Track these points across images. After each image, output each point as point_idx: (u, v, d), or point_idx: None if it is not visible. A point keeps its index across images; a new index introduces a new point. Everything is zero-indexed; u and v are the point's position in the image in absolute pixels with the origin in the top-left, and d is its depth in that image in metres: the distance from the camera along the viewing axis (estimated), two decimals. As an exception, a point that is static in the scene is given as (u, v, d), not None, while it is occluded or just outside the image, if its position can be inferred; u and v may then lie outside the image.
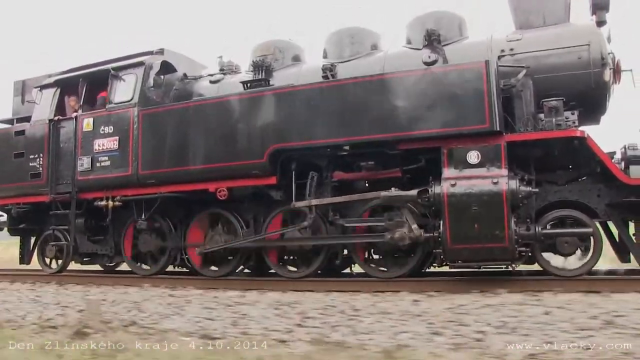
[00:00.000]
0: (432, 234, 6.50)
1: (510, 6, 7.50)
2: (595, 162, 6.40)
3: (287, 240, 7.45)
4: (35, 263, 9.63)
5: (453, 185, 6.22)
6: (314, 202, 7.03)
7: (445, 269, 7.49)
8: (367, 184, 7.42)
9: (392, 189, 6.69)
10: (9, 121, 9.91)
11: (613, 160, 6.52)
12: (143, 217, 8.15)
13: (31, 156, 8.93)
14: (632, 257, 6.60)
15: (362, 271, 7.53)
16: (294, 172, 7.21)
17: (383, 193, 6.68)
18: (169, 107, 8.02)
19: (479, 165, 6.26)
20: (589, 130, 6.60)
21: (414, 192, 6.51)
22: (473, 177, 6.22)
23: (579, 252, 6.48)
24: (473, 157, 6.29)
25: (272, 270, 7.99)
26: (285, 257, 7.90)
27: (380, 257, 7.41)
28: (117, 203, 8.20)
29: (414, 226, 6.56)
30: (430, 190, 6.37)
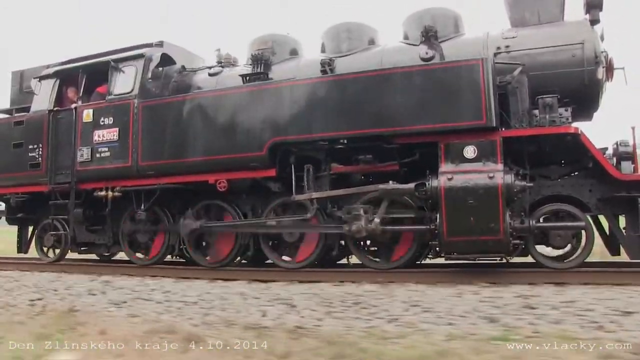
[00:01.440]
0: (428, 227, 6.65)
1: (505, 4, 7.64)
2: (588, 158, 6.57)
3: (276, 227, 7.65)
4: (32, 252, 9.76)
5: (450, 179, 6.36)
6: (315, 195, 7.15)
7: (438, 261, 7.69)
8: (362, 177, 7.57)
9: (390, 182, 6.83)
10: (7, 111, 9.93)
11: (605, 156, 6.69)
12: (142, 207, 8.25)
13: (30, 146, 8.98)
14: (621, 250, 6.80)
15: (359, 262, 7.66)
16: (293, 165, 7.32)
17: (381, 186, 6.82)
18: (169, 99, 8.09)
19: (476, 159, 6.40)
20: (581, 126, 6.79)
21: (411, 185, 6.66)
22: (469, 172, 6.36)
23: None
24: (470, 152, 6.44)
25: (269, 261, 8.15)
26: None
27: (377, 248, 7.56)
28: (116, 194, 8.29)
29: (377, 220, 6.73)
30: (427, 184, 6.52)
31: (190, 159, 7.69)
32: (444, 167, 6.49)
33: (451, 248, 6.54)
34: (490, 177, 6.25)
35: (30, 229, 9.84)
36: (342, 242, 7.69)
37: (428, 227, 6.66)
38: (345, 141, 7.10)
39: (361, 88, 6.84)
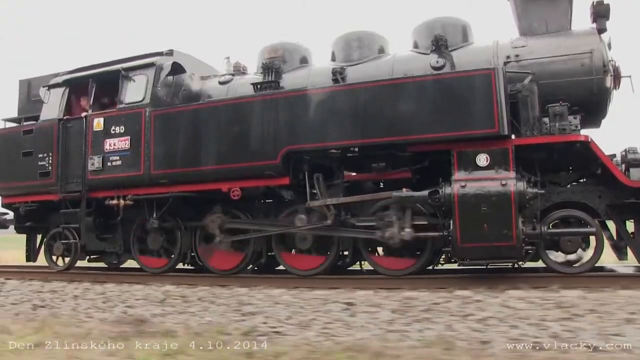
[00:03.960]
0: (441, 233, 6.76)
1: (513, 13, 7.77)
2: (597, 165, 6.70)
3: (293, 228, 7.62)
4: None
5: (463, 187, 6.47)
6: (330, 201, 7.23)
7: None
8: (373, 184, 7.67)
9: (404, 189, 6.93)
10: (16, 120, 9.94)
11: (613, 163, 6.81)
12: (154, 216, 8.29)
13: (40, 155, 9.00)
14: (629, 254, 6.94)
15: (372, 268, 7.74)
16: (307, 173, 7.38)
17: (395, 193, 6.91)
18: (181, 108, 8.14)
19: (488, 167, 6.52)
20: (589, 133, 6.92)
21: (425, 192, 6.75)
22: (482, 179, 6.48)
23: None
24: (482, 159, 6.55)
25: (281, 267, 8.22)
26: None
27: (390, 254, 7.64)
28: (128, 202, 8.33)
29: (407, 228, 6.83)
30: (440, 191, 6.62)
31: (203, 168, 7.74)
32: (457, 174, 6.59)
33: (464, 254, 6.64)
34: (503, 185, 6.36)
35: (39, 237, 9.85)
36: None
37: (441, 233, 6.76)
38: (358, 149, 7.18)
39: (375, 97, 6.93)
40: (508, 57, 7.30)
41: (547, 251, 6.79)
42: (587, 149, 6.57)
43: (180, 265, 8.88)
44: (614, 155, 7.05)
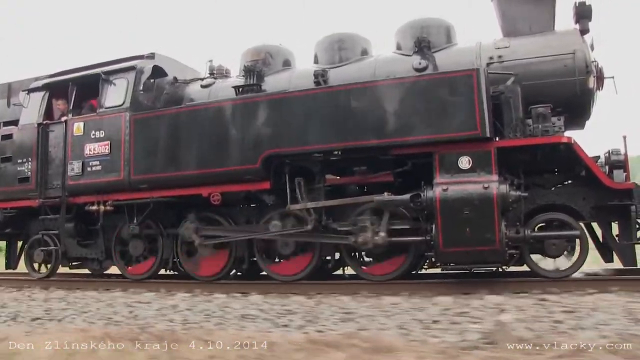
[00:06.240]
0: (424, 238, 6.65)
1: (497, 13, 7.69)
2: (581, 167, 6.61)
3: (272, 234, 7.50)
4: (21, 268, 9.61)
5: (445, 190, 6.36)
6: (310, 204, 7.12)
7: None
8: (357, 188, 7.56)
9: (385, 193, 6.82)
10: (-5, 125, 9.80)
11: (597, 165, 6.72)
12: (135, 221, 8.16)
13: (19, 160, 8.87)
14: (615, 256, 6.85)
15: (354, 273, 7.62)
16: (287, 177, 7.27)
17: (376, 197, 6.81)
18: (161, 112, 8.00)
19: (470, 170, 6.42)
20: (573, 134, 6.85)
21: (406, 196, 6.66)
22: (464, 182, 6.37)
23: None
24: (464, 162, 6.45)
25: (264, 273, 8.11)
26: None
27: (372, 259, 7.53)
28: (108, 208, 8.20)
29: (382, 233, 6.74)
30: (422, 195, 6.52)
31: (183, 172, 7.61)
32: (439, 178, 6.49)
33: (447, 259, 6.55)
34: (485, 188, 6.26)
35: (19, 243, 9.70)
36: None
37: (424, 238, 6.66)
38: (340, 153, 7.07)
39: (356, 99, 6.82)
40: (491, 58, 7.22)
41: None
42: (571, 151, 6.48)
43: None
44: (597, 157, 6.98)
